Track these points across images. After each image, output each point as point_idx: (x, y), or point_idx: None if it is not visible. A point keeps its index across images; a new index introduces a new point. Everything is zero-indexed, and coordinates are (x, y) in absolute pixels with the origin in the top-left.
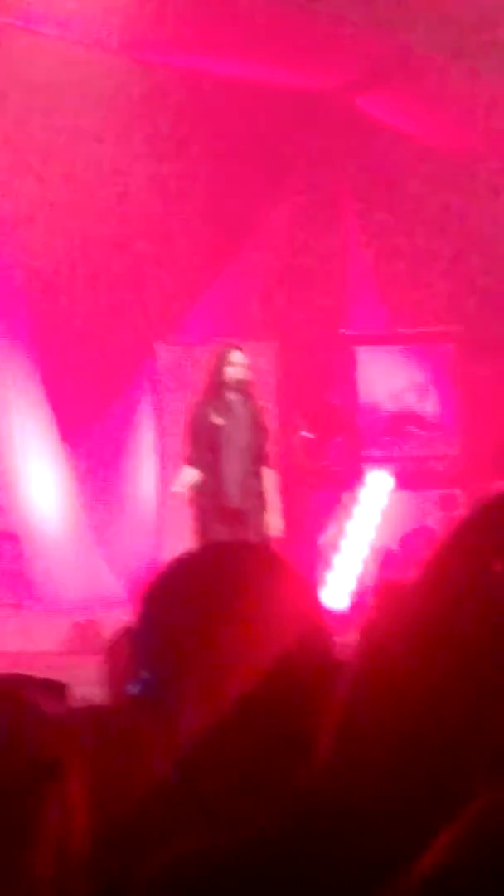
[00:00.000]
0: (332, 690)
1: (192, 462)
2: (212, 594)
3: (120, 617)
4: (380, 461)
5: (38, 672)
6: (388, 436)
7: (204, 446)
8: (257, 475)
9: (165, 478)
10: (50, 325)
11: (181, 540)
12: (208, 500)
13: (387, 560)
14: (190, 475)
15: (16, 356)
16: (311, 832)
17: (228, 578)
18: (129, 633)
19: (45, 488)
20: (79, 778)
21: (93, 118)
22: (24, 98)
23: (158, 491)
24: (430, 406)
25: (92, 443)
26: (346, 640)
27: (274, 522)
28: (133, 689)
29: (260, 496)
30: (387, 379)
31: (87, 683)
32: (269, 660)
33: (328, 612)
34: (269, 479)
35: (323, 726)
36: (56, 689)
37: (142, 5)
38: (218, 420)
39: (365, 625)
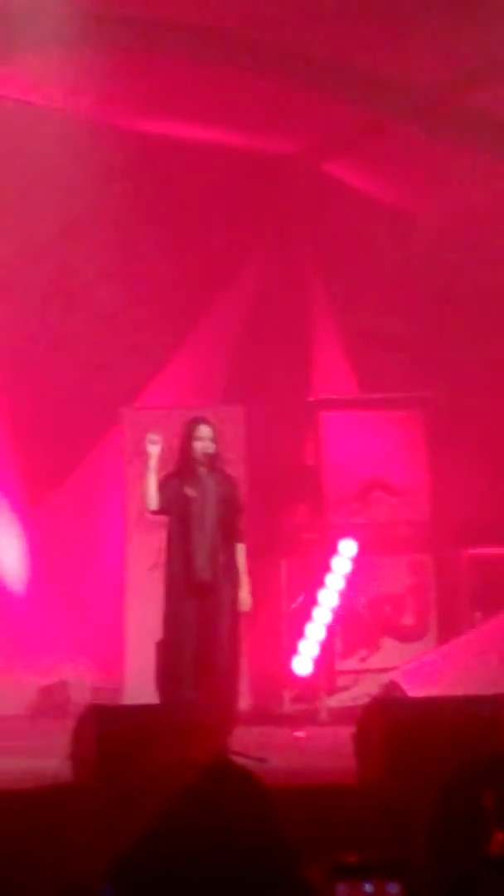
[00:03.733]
0: None
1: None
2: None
3: (85, 680)
4: (348, 527)
5: (2, 739)
6: (357, 501)
7: (175, 517)
8: (228, 549)
9: (131, 542)
10: (14, 389)
11: (147, 604)
12: (178, 572)
13: (355, 626)
14: (153, 504)
15: None
16: None
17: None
18: (92, 712)
19: (11, 553)
20: None
21: (59, 182)
22: None
23: (124, 555)
24: (398, 471)
25: (58, 507)
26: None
27: (244, 598)
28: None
29: (230, 570)
30: (354, 444)
31: (50, 755)
32: None
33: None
34: (240, 555)
35: None
36: None
37: (109, 70)
38: (189, 492)
39: None
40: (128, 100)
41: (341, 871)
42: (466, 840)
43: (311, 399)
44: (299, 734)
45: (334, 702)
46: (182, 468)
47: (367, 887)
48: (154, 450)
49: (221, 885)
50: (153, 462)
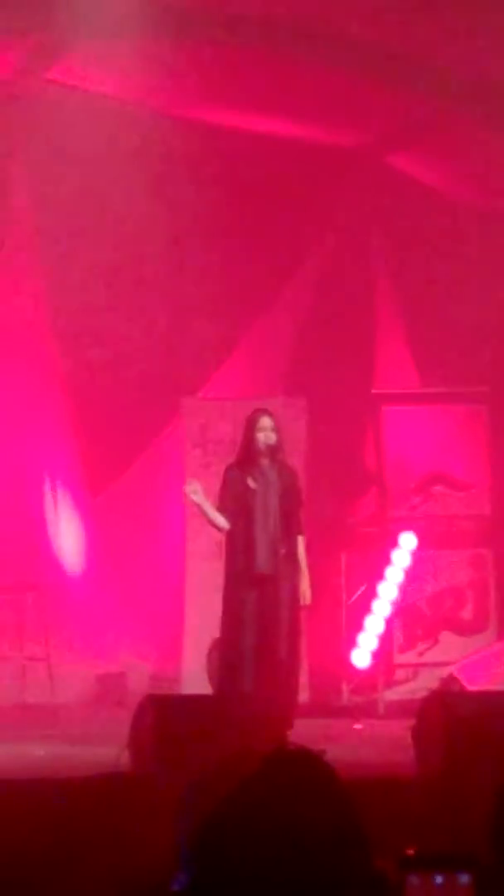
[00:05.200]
0: None
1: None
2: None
3: (144, 670)
4: (409, 520)
5: (61, 726)
6: (417, 495)
7: (238, 509)
8: (289, 541)
9: (190, 532)
10: (80, 377)
11: (206, 594)
12: (239, 564)
13: (414, 620)
14: (220, 520)
15: (47, 411)
16: None
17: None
18: (151, 701)
19: (72, 541)
20: None
21: (125, 171)
22: (53, 156)
23: (184, 545)
24: (459, 466)
25: (118, 497)
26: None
27: (304, 591)
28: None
29: (291, 562)
30: (416, 438)
31: (110, 743)
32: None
33: (356, 674)
34: (300, 547)
35: None
36: None
37: (174, 61)
38: (252, 484)
39: None
40: (193, 91)
41: (412, 864)
42: None
43: (374, 392)
44: (358, 727)
45: (393, 695)
46: (244, 459)
47: (438, 879)
48: (198, 497)
49: (294, 873)
50: (206, 506)
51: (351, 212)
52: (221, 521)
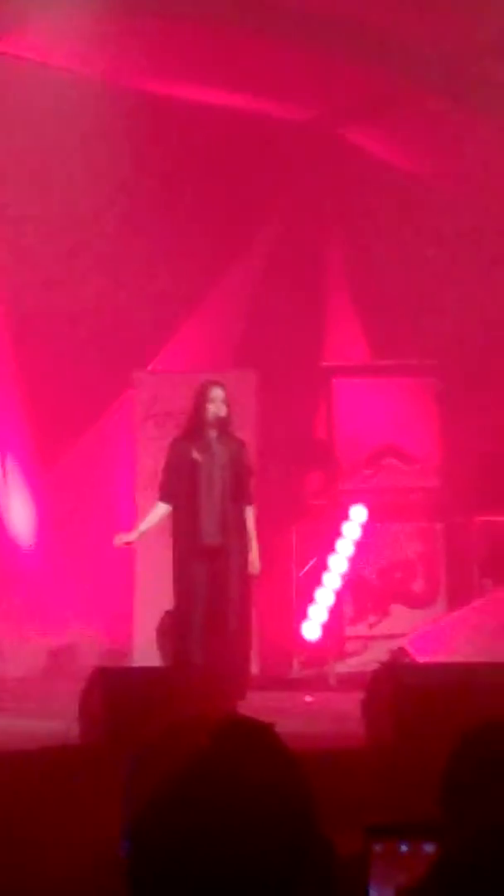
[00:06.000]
0: None
1: (166, 497)
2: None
3: (94, 643)
4: (359, 493)
5: (11, 699)
6: (368, 468)
7: (183, 482)
8: (237, 512)
9: (140, 505)
10: (28, 351)
11: (156, 567)
12: (186, 537)
13: (364, 592)
14: (159, 512)
15: None
16: None
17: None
18: (101, 674)
19: (23, 514)
20: None
21: (73, 144)
22: (7, 129)
23: (134, 518)
24: (409, 438)
25: (68, 469)
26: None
27: (252, 561)
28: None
29: (239, 533)
30: (367, 411)
31: (59, 716)
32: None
33: (307, 646)
34: (249, 517)
35: None
36: None
37: (126, 34)
38: (197, 456)
39: None
40: (144, 64)
41: (377, 833)
42: (488, 796)
43: (324, 365)
44: (308, 699)
45: (343, 667)
46: (191, 431)
47: (403, 847)
48: (127, 537)
49: (241, 844)
50: (140, 527)
51: (303, 185)
52: (161, 511)
